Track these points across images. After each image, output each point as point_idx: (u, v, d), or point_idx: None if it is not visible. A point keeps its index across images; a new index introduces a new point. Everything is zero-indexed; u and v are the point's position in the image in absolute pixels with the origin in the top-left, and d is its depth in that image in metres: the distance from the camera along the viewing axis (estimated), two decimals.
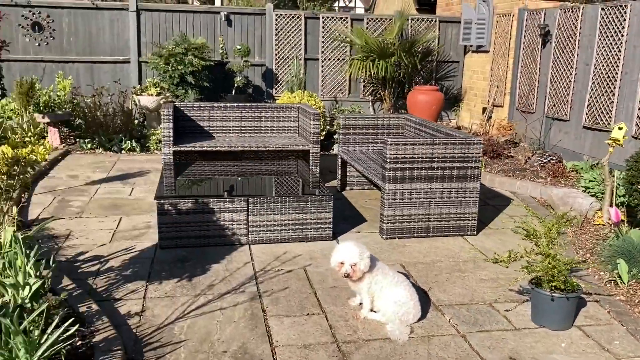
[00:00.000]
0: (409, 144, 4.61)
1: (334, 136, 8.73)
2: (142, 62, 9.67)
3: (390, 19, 10.16)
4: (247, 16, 9.92)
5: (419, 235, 4.82)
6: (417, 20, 10.38)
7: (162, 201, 4.40)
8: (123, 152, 8.10)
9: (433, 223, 4.82)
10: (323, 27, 10.03)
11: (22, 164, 2.89)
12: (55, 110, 8.32)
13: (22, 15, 9.34)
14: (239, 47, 9.31)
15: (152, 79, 8.88)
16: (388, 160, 4.59)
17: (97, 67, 9.68)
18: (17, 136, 2.92)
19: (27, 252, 3.57)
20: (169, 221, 4.41)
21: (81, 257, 4.23)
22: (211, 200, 4.47)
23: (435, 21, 10.44)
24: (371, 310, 3.44)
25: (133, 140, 8.17)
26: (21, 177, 2.89)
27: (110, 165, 7.25)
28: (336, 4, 29.15)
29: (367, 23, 10.18)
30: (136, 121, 8.78)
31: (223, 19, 9.72)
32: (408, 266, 4.24)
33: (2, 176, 2.77)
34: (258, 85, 10.09)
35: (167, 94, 8.70)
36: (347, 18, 10.12)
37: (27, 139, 2.98)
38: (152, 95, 8.48)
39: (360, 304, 3.52)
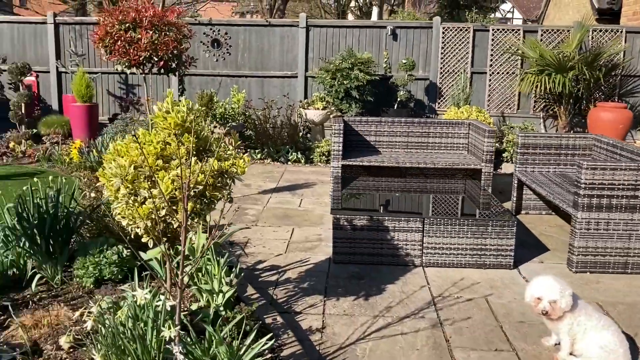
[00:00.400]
0: (609, 168, 4.13)
1: (503, 154, 8.27)
2: (308, 76, 9.98)
3: (567, 31, 9.44)
4: (413, 30, 9.81)
5: (615, 271, 4.30)
6: (600, 31, 9.52)
7: (338, 216, 4.39)
8: (289, 163, 8.38)
9: (633, 258, 4.27)
10: (492, 40, 9.59)
11: (225, 176, 3.00)
12: (229, 121, 8.86)
13: (204, 33, 10.13)
14: (404, 61, 9.23)
15: (318, 94, 9.10)
16: (583, 185, 4.15)
17: (267, 82, 10.17)
18: (220, 149, 3.03)
19: (218, 258, 3.73)
20: (344, 236, 4.40)
21: (260, 266, 4.36)
22: (386, 218, 4.38)
23: (621, 32, 9.49)
24: (570, 353, 3.09)
25: (299, 152, 8.42)
26: (224, 189, 3.01)
27: (278, 176, 7.51)
28: (492, 15, 28.07)
29: (541, 35, 9.55)
30: (300, 133, 9.06)
31: (389, 33, 9.71)
32: (606, 306, 3.78)
33: (209, 187, 2.89)
34: (420, 99, 9.92)
35: (332, 108, 8.86)
36: (519, 30, 9.58)
37: (229, 152, 3.09)
38: (318, 109, 8.68)
39: (556, 344, 3.18)
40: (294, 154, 8.41)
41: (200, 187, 2.85)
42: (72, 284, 3.57)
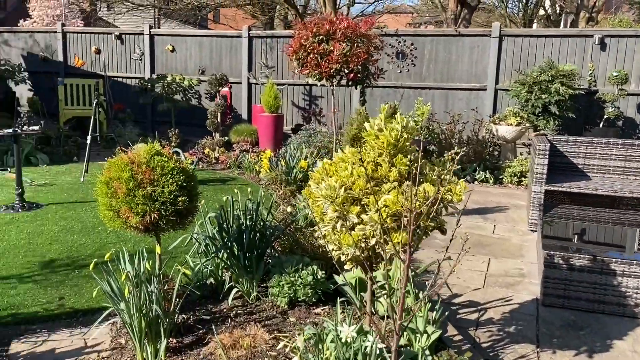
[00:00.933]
0: None
1: None
2: (498, 89, 9.28)
3: None
4: (627, 39, 8.62)
5: None
6: None
7: (552, 252, 3.80)
8: (475, 182, 7.80)
9: None
10: None
11: (441, 204, 2.65)
12: (412, 135, 8.52)
13: (389, 44, 9.94)
14: (615, 73, 8.13)
15: (511, 108, 8.38)
16: None
17: (451, 94, 9.68)
18: (434, 172, 2.68)
19: (416, 291, 3.40)
20: (557, 276, 3.79)
21: (456, 301, 3.93)
22: (613, 260, 3.69)
23: None
24: None
25: (487, 171, 7.80)
26: (437, 218, 2.66)
27: (465, 196, 6.99)
28: None
29: None
30: (487, 150, 8.41)
31: (596, 42, 8.64)
32: None
33: (423, 216, 2.56)
34: (631, 117, 8.68)
35: (526, 124, 8.10)
36: None
37: (444, 176, 2.74)
38: (511, 124, 7.99)
39: None
40: (481, 172, 7.81)
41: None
42: (265, 302, 3.48)
